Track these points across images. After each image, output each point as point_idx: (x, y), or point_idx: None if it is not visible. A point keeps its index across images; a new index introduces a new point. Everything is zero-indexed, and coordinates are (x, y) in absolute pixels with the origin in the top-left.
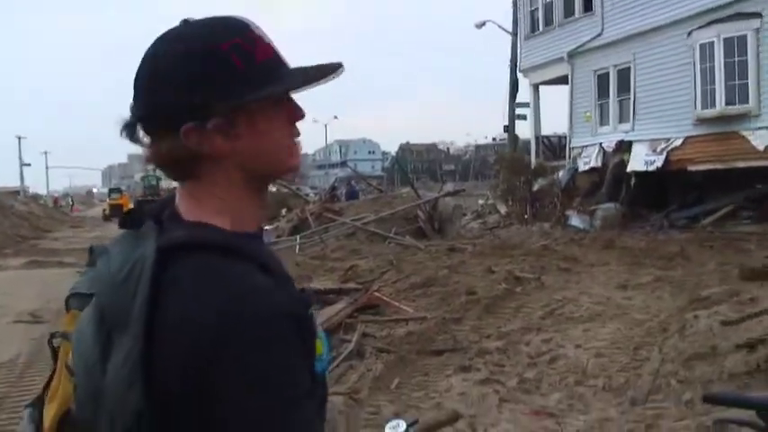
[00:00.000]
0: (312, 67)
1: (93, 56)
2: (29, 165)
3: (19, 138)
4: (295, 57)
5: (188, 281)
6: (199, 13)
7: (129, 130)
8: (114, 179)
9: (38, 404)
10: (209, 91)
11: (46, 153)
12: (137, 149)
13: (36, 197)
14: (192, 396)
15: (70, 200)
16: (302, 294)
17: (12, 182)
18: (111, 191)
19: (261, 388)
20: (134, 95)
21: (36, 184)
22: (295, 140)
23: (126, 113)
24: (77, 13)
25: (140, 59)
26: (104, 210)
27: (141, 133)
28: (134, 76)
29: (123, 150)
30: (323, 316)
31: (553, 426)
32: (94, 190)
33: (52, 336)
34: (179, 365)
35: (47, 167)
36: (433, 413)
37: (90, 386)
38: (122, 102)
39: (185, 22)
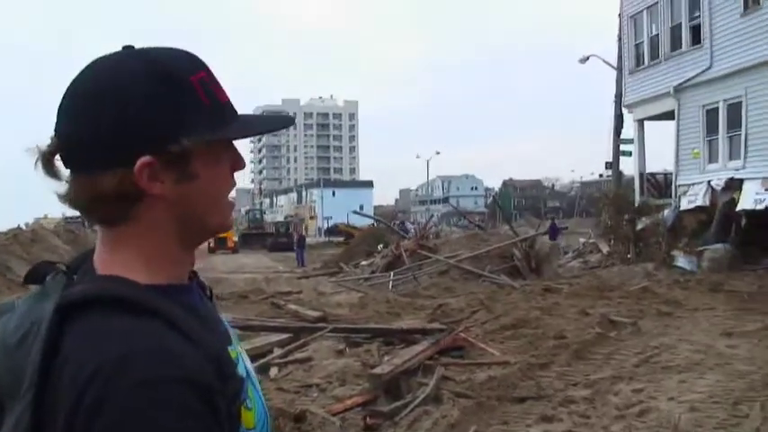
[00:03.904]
0: (267, 117)
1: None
2: None
3: None
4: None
5: (81, 342)
6: None
7: (46, 160)
8: None
9: None
10: (174, 122)
11: None
12: (245, 184)
13: None
14: None
15: None
16: (221, 357)
17: None
18: None
19: None
20: (61, 121)
21: None
22: (229, 197)
23: (43, 140)
24: None
25: (72, 82)
26: (209, 242)
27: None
28: (62, 99)
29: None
30: (402, 357)
31: None
32: None
33: None
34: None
35: None
36: None
37: None
38: None
39: (133, 48)
